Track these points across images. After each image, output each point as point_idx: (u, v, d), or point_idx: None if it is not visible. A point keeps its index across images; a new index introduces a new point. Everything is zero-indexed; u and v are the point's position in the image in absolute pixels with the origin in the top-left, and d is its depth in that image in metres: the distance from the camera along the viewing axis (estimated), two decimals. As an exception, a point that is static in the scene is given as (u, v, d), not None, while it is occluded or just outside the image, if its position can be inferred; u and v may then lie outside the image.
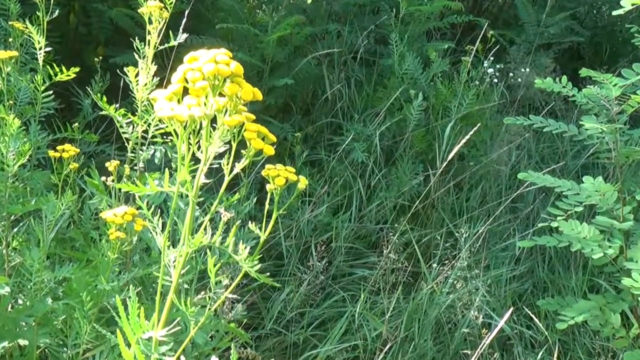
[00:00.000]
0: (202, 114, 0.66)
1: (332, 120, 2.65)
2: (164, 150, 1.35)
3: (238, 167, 0.70)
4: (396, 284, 1.99)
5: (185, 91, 0.69)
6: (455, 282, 1.93)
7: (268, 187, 0.76)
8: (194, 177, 0.70)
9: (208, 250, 0.81)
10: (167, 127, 1.29)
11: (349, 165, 2.42)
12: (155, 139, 1.34)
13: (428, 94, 2.51)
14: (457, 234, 2.09)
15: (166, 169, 0.76)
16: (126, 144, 1.34)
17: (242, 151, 0.73)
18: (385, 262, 1.98)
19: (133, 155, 1.35)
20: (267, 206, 0.75)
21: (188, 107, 0.67)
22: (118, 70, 1.34)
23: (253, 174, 2.11)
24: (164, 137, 1.32)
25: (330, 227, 2.22)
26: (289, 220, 2.20)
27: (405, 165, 2.40)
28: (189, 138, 0.68)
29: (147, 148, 1.34)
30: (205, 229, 0.71)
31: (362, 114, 2.60)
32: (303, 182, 0.76)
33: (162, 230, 0.73)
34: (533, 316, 1.70)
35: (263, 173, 0.76)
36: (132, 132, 1.33)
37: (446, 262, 2.02)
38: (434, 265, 2.03)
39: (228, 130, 0.68)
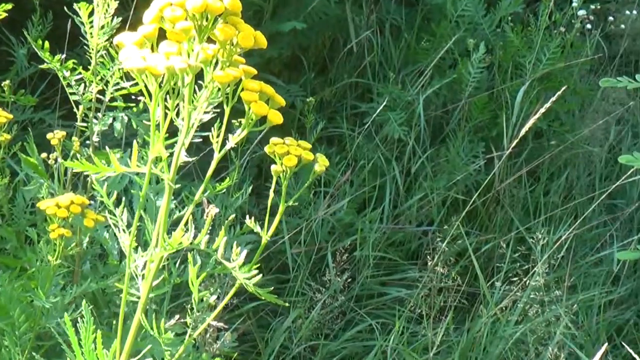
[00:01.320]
0: (184, 66, 0.66)
1: (358, 80, 2.64)
2: (126, 118, 1.35)
3: (232, 141, 0.71)
4: (445, 309, 2.00)
5: (162, 35, 0.69)
6: (527, 307, 1.93)
7: (273, 169, 0.78)
8: (171, 154, 0.71)
9: (189, 256, 0.80)
10: (133, 85, 1.28)
11: (380, 144, 2.43)
12: (114, 104, 1.34)
13: (493, 45, 2.51)
14: (530, 241, 2.09)
15: (134, 143, 0.75)
16: (75, 110, 1.34)
17: (236, 121, 0.75)
18: (430, 278, 1.99)
19: (84, 125, 1.35)
20: (270, 197, 0.77)
21: (165, 56, 0.66)
22: (65, 8, 1.34)
23: (247, 154, 2.14)
24: (129, 100, 1.33)
25: (353, 230, 2.25)
26: (296, 218, 2.24)
27: (460, 144, 2.39)
28: (166, 100, 0.68)
29: (104, 116, 1.34)
30: (186, 225, 0.72)
31: (399, 73, 2.60)
32: (322, 163, 0.78)
33: (128, 228, 0.74)
34: (637, 357, 1.70)
35: (267, 149, 0.77)
36: (83, 94, 1.33)
37: (515, 279, 2.02)
38: (498, 284, 2.04)
39: (219, 89, 0.68)
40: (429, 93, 2.44)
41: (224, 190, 1.14)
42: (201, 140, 0.86)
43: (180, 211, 1.31)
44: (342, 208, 2.26)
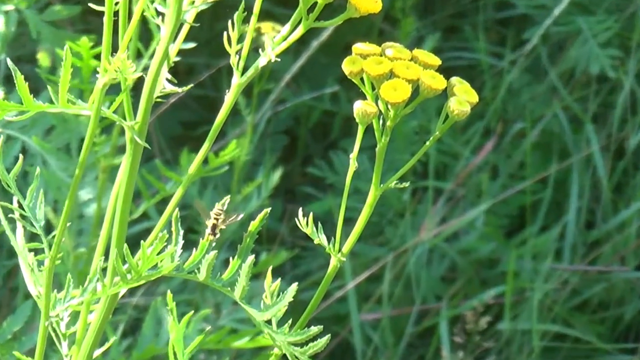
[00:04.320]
0: None
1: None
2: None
3: (273, 50, 0.72)
4: None
5: None
6: None
7: (358, 110, 0.73)
8: (140, 85, 0.73)
9: (168, 299, 0.75)
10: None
11: (559, 86, 2.29)
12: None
13: None
14: None
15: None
16: None
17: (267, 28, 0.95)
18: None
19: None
20: (349, 177, 0.78)
21: None
22: None
23: (269, 105, 1.98)
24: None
25: (496, 274, 2.10)
26: (371, 244, 2.11)
27: None
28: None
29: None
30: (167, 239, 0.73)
31: None
32: (466, 94, 0.75)
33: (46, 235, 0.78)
34: None
35: (347, 66, 0.73)
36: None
37: None
38: None
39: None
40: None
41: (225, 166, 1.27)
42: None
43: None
44: (474, 225, 2.10)
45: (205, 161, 1.31)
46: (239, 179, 1.72)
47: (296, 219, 0.79)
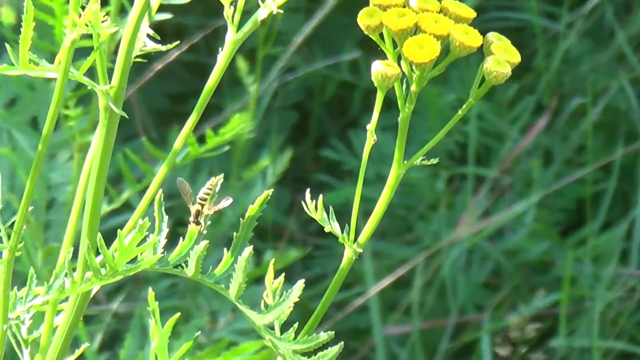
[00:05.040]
0: None
1: None
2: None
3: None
4: None
5: None
6: None
7: (377, 72, 0.75)
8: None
9: (150, 297, 0.76)
10: None
11: (629, 52, 2.34)
12: None
13: None
14: None
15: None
16: None
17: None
18: None
19: None
20: (368, 146, 0.80)
21: None
22: None
23: (276, 74, 2.05)
24: None
25: (550, 279, 2.19)
26: (398, 243, 2.17)
27: None
28: None
29: None
30: (147, 227, 0.74)
31: None
32: (506, 53, 0.77)
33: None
34: None
35: (362, 19, 0.75)
36: None
37: None
38: None
39: None
40: None
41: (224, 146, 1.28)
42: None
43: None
44: (522, 221, 2.13)
45: (201, 140, 1.31)
46: (239, 162, 1.72)
47: (303, 204, 0.80)
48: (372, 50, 0.78)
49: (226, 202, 0.84)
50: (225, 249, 0.78)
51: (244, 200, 1.71)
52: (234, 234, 0.80)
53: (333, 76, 2.27)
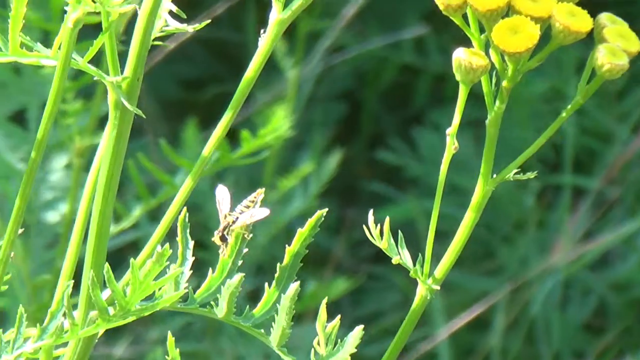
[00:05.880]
0: None
1: None
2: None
3: None
4: None
5: None
6: None
7: (459, 60, 0.78)
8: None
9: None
10: None
11: None
12: None
13: None
14: None
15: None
16: None
17: None
18: None
19: None
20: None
21: None
22: None
23: (321, 55, 2.15)
24: None
25: None
26: (479, 275, 2.33)
27: None
28: None
29: None
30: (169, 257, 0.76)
31: None
32: (624, 40, 0.79)
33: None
34: None
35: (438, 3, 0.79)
36: None
37: None
38: None
39: None
40: None
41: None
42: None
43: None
44: (634, 244, 2.22)
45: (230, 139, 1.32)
46: (273, 168, 1.70)
47: (364, 227, 0.81)
48: (441, 26, 0.77)
49: (262, 214, 0.86)
50: (266, 285, 0.80)
51: (280, 215, 1.73)
52: (278, 265, 0.81)
53: (392, 58, 2.30)
